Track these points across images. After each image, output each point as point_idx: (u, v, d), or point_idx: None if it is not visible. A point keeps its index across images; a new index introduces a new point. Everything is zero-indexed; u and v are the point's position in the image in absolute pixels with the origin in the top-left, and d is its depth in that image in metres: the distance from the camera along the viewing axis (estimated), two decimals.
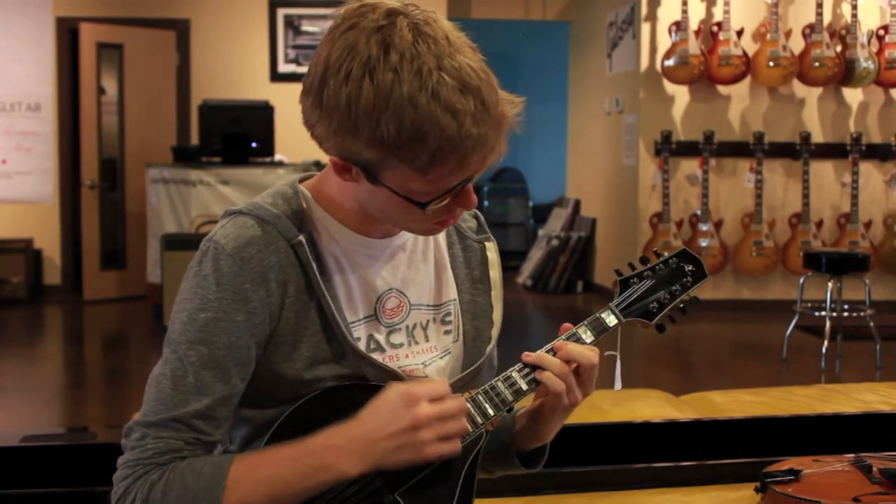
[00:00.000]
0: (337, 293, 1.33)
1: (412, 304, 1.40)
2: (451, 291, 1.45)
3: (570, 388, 1.37)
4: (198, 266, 1.30)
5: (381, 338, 1.37)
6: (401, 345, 1.39)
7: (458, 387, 1.41)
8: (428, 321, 1.42)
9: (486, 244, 1.50)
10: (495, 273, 1.49)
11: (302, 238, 1.31)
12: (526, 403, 1.46)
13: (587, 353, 1.37)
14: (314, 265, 1.31)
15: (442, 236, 1.46)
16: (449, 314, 1.44)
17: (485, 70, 1.22)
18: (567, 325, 1.42)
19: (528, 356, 1.38)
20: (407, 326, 1.39)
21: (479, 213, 1.53)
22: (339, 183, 1.33)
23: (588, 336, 1.42)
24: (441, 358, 1.42)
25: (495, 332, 1.46)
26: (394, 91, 1.17)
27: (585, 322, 1.43)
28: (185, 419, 1.26)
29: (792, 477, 1.91)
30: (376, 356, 1.35)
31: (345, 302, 1.34)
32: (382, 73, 1.17)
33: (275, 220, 1.32)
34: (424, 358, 1.40)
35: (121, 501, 1.26)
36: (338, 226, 1.36)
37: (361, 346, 1.35)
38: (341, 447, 1.25)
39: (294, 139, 8.21)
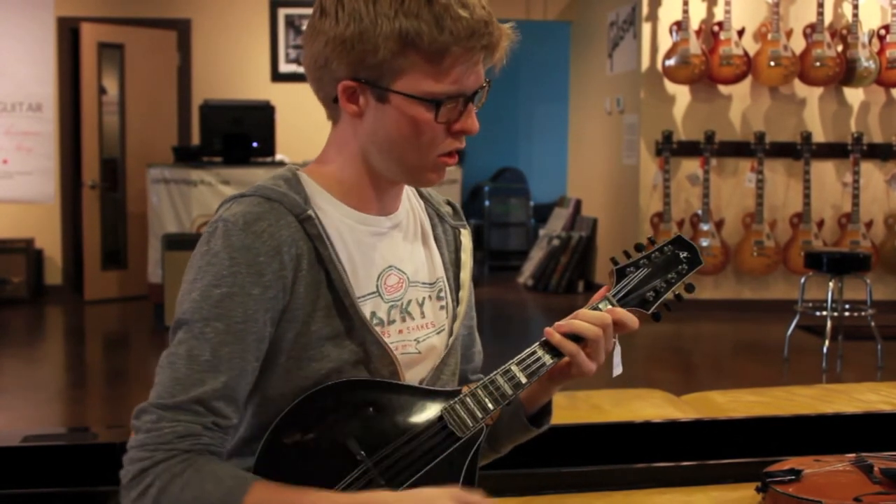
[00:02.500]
0: (346, 268, 1.35)
1: (410, 281, 1.43)
2: (440, 269, 1.49)
3: (595, 345, 1.41)
4: (206, 246, 1.30)
5: (382, 314, 1.39)
6: (394, 321, 1.40)
7: (440, 368, 1.43)
8: (424, 298, 1.44)
9: (462, 231, 1.54)
10: (466, 256, 1.52)
11: (310, 212, 1.32)
12: None
13: (599, 314, 1.41)
14: (325, 238, 1.32)
15: (426, 217, 1.50)
16: (442, 290, 1.47)
17: None
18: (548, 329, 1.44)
19: (551, 335, 1.41)
20: (402, 303, 1.41)
21: (453, 201, 1.58)
22: (340, 147, 1.37)
23: None
24: (437, 334, 1.45)
25: (462, 309, 1.48)
26: None
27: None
28: (204, 400, 1.24)
29: (793, 477, 1.90)
30: (378, 330, 1.36)
31: (351, 277, 1.35)
32: None
33: (280, 196, 1.33)
34: (418, 334, 1.42)
35: (135, 482, 1.23)
36: (338, 203, 1.37)
37: (368, 319, 1.36)
38: None
39: (295, 139, 8.22)
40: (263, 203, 1.32)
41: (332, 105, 1.36)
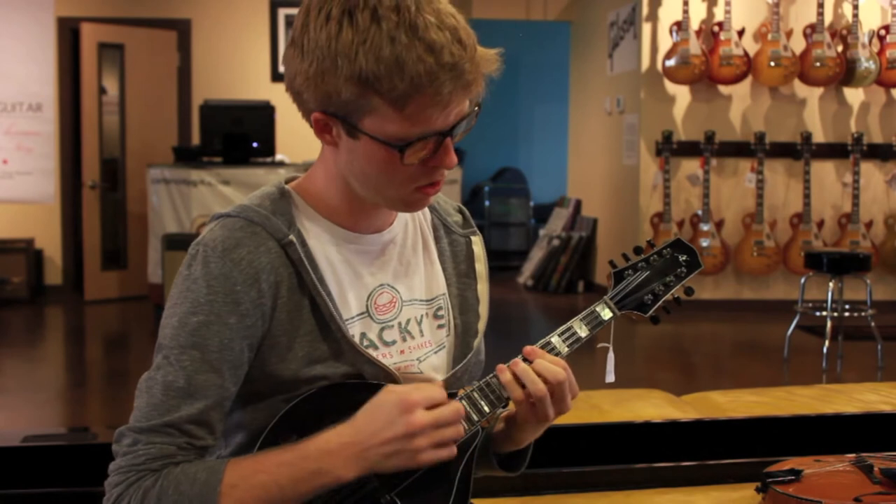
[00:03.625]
0: (330, 291, 1.33)
1: (404, 300, 1.40)
2: (441, 286, 1.45)
3: (539, 402, 1.35)
4: (187, 270, 1.30)
5: (373, 335, 1.37)
6: (393, 342, 1.38)
7: (450, 382, 1.41)
8: (422, 316, 1.42)
9: (472, 238, 1.51)
10: (481, 266, 1.49)
11: (292, 237, 1.31)
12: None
13: (553, 368, 1.35)
14: (307, 264, 1.31)
15: (429, 230, 1.47)
16: (441, 308, 1.44)
17: (464, 21, 1.25)
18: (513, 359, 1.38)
19: (502, 372, 1.36)
20: (399, 323, 1.39)
21: (463, 208, 1.54)
22: (325, 169, 1.35)
23: (583, 330, 1.41)
24: (436, 353, 1.42)
25: (482, 325, 1.46)
26: (372, 27, 1.20)
27: (580, 316, 1.42)
28: (178, 424, 1.25)
29: (793, 477, 1.90)
30: (371, 353, 1.34)
31: (338, 299, 1.34)
32: (361, 13, 1.21)
33: (263, 220, 1.31)
34: (419, 354, 1.40)
35: None
36: (326, 223, 1.36)
37: (356, 342, 1.34)
38: (336, 452, 1.25)
39: (295, 139, 8.22)
40: (245, 227, 1.30)
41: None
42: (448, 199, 1.54)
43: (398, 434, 1.24)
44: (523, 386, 1.35)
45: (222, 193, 7.29)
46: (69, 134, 8.66)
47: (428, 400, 1.26)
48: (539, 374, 1.34)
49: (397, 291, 1.40)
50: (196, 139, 8.36)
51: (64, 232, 8.74)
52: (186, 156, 7.72)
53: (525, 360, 1.37)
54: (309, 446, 1.26)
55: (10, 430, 3.87)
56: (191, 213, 7.34)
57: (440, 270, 1.46)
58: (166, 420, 1.25)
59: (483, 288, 1.48)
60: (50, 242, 8.70)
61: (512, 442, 1.46)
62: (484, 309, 1.47)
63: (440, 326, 1.44)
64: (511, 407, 1.41)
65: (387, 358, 1.36)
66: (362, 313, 1.36)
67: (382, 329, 1.38)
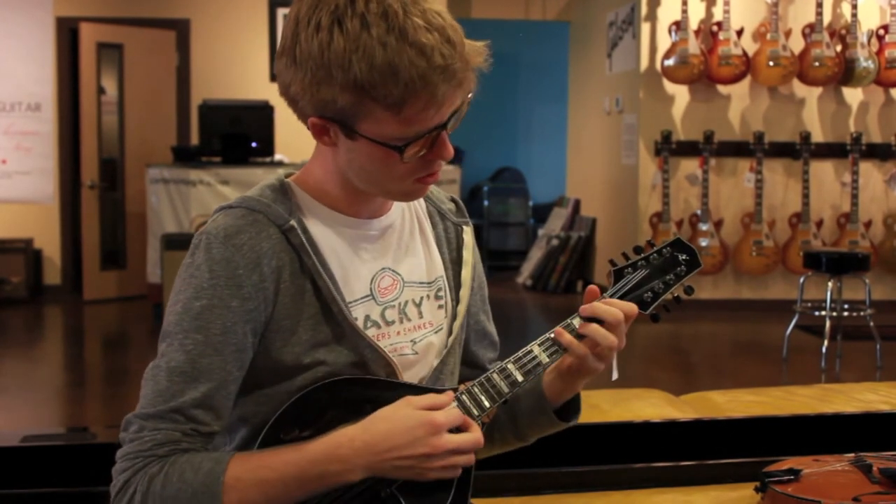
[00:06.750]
0: (333, 274, 1.35)
1: (405, 282, 1.43)
2: (440, 268, 1.48)
3: (610, 350, 1.39)
4: (190, 258, 1.32)
5: (376, 316, 1.39)
6: (392, 322, 1.40)
7: (439, 368, 1.44)
8: (422, 298, 1.44)
9: (464, 228, 1.54)
10: (468, 254, 1.52)
11: (293, 223, 1.33)
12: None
13: (631, 307, 1.40)
14: (308, 248, 1.33)
15: (425, 217, 1.50)
16: (441, 289, 1.47)
17: (450, 17, 1.27)
18: (593, 286, 1.44)
19: (560, 335, 1.39)
20: (399, 304, 1.41)
21: (456, 197, 1.57)
22: (323, 164, 1.37)
23: None
24: (435, 333, 1.45)
25: (462, 308, 1.48)
26: (363, 35, 1.22)
27: (580, 313, 1.43)
28: (183, 409, 1.27)
29: (792, 477, 1.91)
30: (371, 333, 1.37)
31: (341, 283, 1.36)
32: (350, 20, 1.22)
33: (264, 208, 1.34)
34: (415, 335, 1.42)
35: (121, 494, 1.26)
36: (326, 210, 1.38)
37: (359, 325, 1.36)
38: (347, 459, 1.27)
39: (294, 139, 8.20)
40: (247, 215, 1.33)
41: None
42: (440, 189, 1.57)
43: (419, 453, 1.27)
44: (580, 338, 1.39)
45: (221, 193, 7.28)
46: (68, 134, 8.66)
47: (451, 422, 1.30)
48: (612, 323, 1.38)
49: (399, 274, 1.42)
50: (195, 139, 8.35)
51: (63, 232, 8.73)
52: (185, 156, 7.72)
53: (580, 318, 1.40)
54: (317, 449, 1.27)
55: (9, 429, 3.87)
56: (190, 212, 7.34)
57: (437, 254, 1.49)
58: (171, 406, 1.27)
59: (466, 274, 1.50)
60: (49, 242, 8.70)
61: (567, 391, 1.48)
62: (465, 292, 1.49)
63: (440, 307, 1.47)
64: (565, 360, 1.43)
65: (386, 339, 1.39)
66: (366, 296, 1.38)
67: (385, 309, 1.40)
